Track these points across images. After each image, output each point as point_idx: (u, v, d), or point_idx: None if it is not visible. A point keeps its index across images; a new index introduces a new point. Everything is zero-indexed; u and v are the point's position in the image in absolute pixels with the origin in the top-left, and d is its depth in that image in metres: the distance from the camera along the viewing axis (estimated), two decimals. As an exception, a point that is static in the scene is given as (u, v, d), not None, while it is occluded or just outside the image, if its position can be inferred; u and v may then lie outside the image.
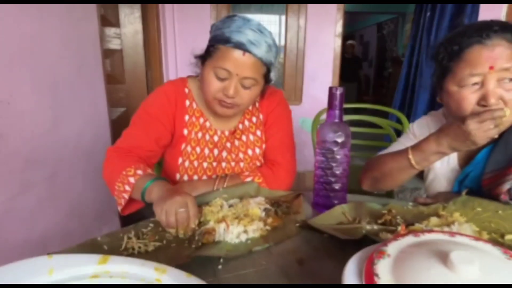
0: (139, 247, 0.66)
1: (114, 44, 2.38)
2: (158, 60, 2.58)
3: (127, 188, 0.85)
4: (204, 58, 0.91)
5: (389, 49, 7.42)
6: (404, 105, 3.08)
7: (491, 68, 0.72)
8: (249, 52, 0.84)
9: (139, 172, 0.85)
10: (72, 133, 1.43)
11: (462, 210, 0.78)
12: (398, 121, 1.61)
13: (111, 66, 2.40)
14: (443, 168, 0.93)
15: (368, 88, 8.19)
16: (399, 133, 1.59)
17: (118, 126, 2.19)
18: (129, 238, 0.68)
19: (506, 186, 0.76)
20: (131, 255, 0.65)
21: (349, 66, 6.10)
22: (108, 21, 2.28)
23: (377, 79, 7.80)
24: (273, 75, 0.96)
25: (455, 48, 0.77)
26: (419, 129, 0.98)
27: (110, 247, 0.66)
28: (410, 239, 0.50)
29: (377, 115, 1.68)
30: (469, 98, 0.76)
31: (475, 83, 0.75)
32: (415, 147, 0.82)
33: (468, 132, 0.71)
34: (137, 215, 0.93)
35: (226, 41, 0.84)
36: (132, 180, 0.84)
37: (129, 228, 0.74)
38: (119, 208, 0.89)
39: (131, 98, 2.46)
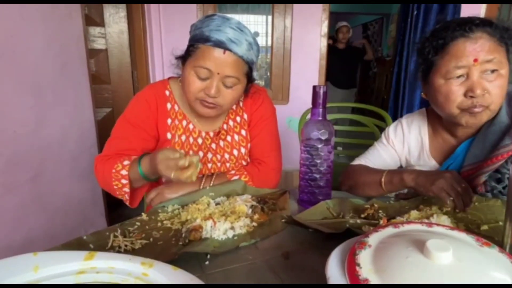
0: (126, 245, 0.66)
1: (98, 44, 2.35)
2: (144, 60, 2.56)
3: (124, 181, 0.87)
4: (184, 58, 0.90)
5: (374, 49, 7.54)
6: (397, 105, 3.12)
7: (475, 61, 0.75)
8: (230, 50, 0.84)
9: (126, 162, 0.87)
10: (56, 134, 1.40)
11: (441, 203, 0.81)
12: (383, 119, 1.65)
13: (96, 66, 2.37)
14: (421, 166, 0.96)
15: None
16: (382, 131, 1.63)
17: (103, 127, 2.16)
18: (115, 236, 0.68)
19: (482, 179, 0.80)
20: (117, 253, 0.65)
21: (344, 62, 3.79)
22: (93, 20, 2.25)
23: (363, 78, 7.92)
24: (256, 75, 0.96)
25: (440, 42, 0.79)
26: (393, 133, 1.01)
27: (96, 246, 0.66)
28: (390, 230, 0.52)
29: (365, 114, 1.72)
30: (456, 91, 0.79)
31: (460, 75, 0.78)
32: (390, 174, 0.86)
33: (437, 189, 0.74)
34: (123, 216, 0.94)
35: (206, 40, 0.84)
36: (124, 172, 0.86)
37: (115, 226, 0.74)
38: (128, 203, 0.93)
39: (117, 98, 2.44)
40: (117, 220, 0.83)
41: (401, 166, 1.04)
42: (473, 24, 0.76)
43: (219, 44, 0.83)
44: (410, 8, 2.91)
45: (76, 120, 1.55)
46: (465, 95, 0.78)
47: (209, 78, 0.86)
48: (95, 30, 2.30)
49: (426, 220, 0.70)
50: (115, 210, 2.15)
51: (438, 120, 0.93)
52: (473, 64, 0.76)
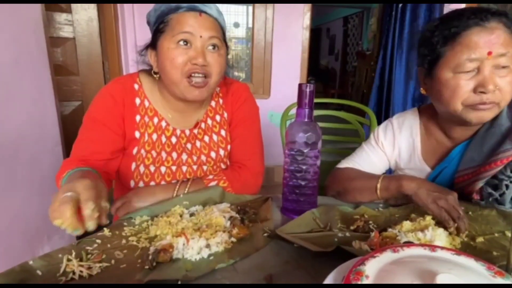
0: (81, 271, 0.56)
1: (65, 32, 2.16)
2: (116, 50, 2.39)
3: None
4: (154, 40, 0.84)
5: (354, 43, 7.56)
6: (381, 101, 3.08)
7: (489, 54, 0.69)
8: (205, 12, 0.81)
9: (71, 171, 0.75)
10: (10, 134, 1.24)
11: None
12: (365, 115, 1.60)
13: (63, 56, 2.19)
14: (412, 170, 0.91)
15: (335, 82, 8.34)
16: (366, 128, 1.58)
17: (71, 122, 2.00)
18: (69, 260, 0.58)
19: (479, 185, 0.75)
20: (71, 281, 0.55)
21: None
22: (58, 6, 2.06)
23: (343, 72, 7.95)
24: (229, 57, 0.92)
25: (453, 31, 0.72)
26: (383, 133, 0.94)
27: (45, 273, 0.56)
28: (388, 256, 0.45)
29: (344, 109, 1.66)
30: (465, 85, 0.72)
31: (471, 70, 0.72)
32: (387, 180, 0.80)
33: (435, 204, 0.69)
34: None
35: (177, 8, 0.80)
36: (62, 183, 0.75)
37: (71, 245, 0.63)
38: None
39: (87, 91, 2.27)
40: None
41: (390, 169, 0.98)
42: (489, 12, 0.69)
43: (193, 8, 0.81)
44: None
45: (35, 117, 1.39)
46: (474, 90, 0.71)
47: (193, 45, 0.81)
48: (60, 17, 2.12)
49: (420, 233, 0.65)
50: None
51: (432, 120, 0.87)
52: (487, 58, 0.69)
